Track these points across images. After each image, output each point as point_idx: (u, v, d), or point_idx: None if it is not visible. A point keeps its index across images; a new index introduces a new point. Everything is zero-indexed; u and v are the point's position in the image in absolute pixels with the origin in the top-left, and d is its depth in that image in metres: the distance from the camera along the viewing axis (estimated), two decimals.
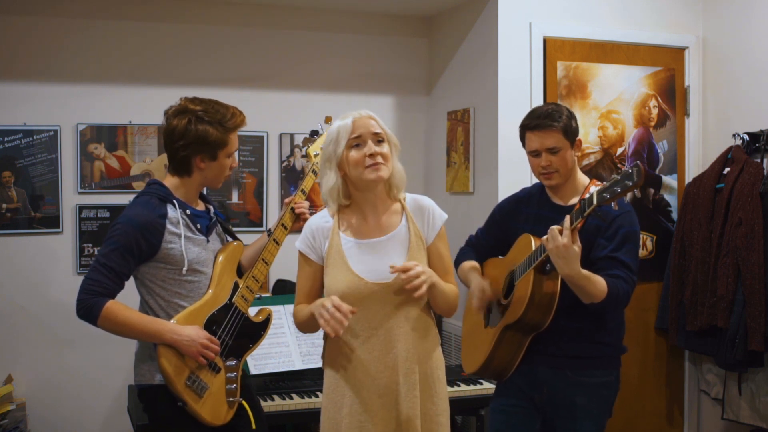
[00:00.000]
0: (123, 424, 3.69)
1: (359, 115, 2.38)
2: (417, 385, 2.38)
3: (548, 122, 2.64)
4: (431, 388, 2.42)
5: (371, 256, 2.39)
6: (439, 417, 2.42)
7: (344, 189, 2.42)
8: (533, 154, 2.70)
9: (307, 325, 2.45)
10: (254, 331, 2.71)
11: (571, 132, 2.67)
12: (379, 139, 2.37)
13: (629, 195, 3.16)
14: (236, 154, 2.72)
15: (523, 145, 2.76)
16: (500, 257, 2.90)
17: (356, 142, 2.35)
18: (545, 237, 2.44)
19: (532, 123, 2.67)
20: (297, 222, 2.81)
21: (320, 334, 2.50)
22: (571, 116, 2.70)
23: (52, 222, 4.00)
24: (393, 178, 2.42)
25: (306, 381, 3.57)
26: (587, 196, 2.41)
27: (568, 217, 2.41)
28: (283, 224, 2.78)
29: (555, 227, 2.42)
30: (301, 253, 2.48)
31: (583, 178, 2.75)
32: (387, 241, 2.41)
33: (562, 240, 2.38)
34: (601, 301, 2.49)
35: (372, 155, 2.34)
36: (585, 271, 2.45)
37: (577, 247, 2.39)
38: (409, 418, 2.35)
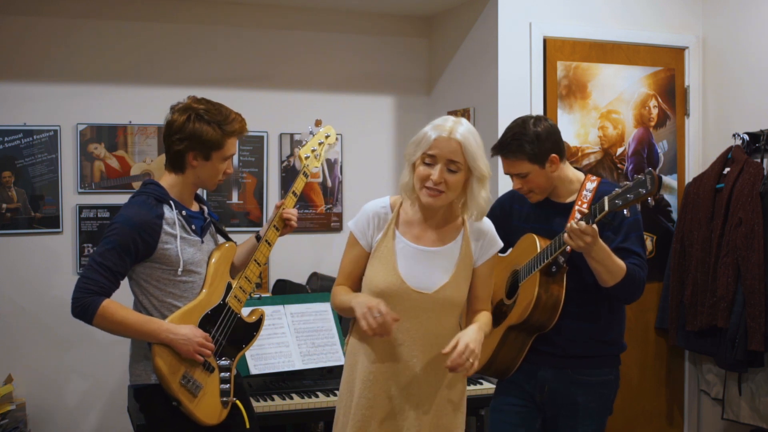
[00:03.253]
0: (123, 424, 3.68)
1: (447, 135, 2.28)
2: (430, 398, 2.38)
3: (509, 150, 2.62)
4: (451, 402, 2.43)
5: (418, 263, 2.38)
6: (457, 430, 2.44)
7: (414, 187, 2.39)
8: (507, 174, 2.71)
9: (343, 311, 2.45)
10: (247, 332, 2.72)
11: (538, 155, 2.61)
12: (451, 168, 2.29)
13: None
14: (233, 161, 2.71)
15: None
16: (500, 255, 2.91)
17: (429, 160, 2.30)
18: (565, 235, 2.44)
19: (497, 151, 2.66)
20: (285, 228, 2.81)
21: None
22: (538, 137, 2.60)
23: (52, 222, 4.00)
24: (467, 203, 2.37)
25: (306, 381, 3.57)
26: (598, 200, 2.41)
27: (581, 222, 2.42)
28: (275, 226, 2.79)
29: (575, 227, 2.41)
30: (351, 235, 2.46)
31: (577, 175, 2.74)
32: (438, 254, 2.40)
33: (586, 238, 2.39)
34: (622, 280, 2.50)
35: (433, 181, 2.29)
36: (607, 248, 2.47)
37: (596, 228, 2.42)
38: (413, 427, 2.36)
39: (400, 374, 2.37)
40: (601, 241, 2.45)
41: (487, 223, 2.48)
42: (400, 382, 2.37)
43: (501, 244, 2.49)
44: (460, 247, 2.41)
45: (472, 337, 2.29)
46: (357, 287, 2.49)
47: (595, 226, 2.41)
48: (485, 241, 2.45)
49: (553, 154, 2.64)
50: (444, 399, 2.41)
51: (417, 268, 2.37)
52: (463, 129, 2.30)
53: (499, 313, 2.76)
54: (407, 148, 2.38)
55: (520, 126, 2.66)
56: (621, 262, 2.51)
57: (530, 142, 2.61)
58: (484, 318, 2.44)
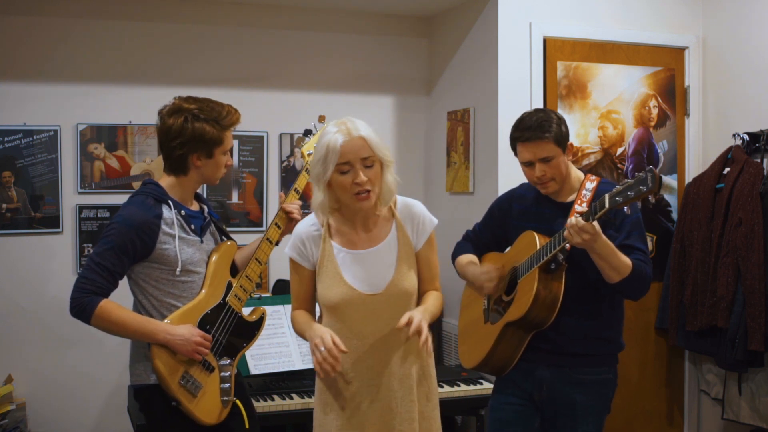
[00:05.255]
0: (123, 423, 3.69)
1: (348, 137, 2.29)
2: (413, 390, 2.39)
3: (539, 133, 2.60)
4: (427, 388, 2.45)
5: (363, 267, 2.40)
6: (433, 412, 2.46)
7: (333, 201, 2.41)
8: (527, 164, 2.68)
9: (303, 336, 2.46)
10: (248, 331, 2.72)
11: (562, 139, 2.64)
12: (367, 165, 2.32)
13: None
14: (232, 152, 2.72)
15: (515, 155, 2.74)
16: (499, 252, 2.91)
17: (344, 168, 2.31)
18: (566, 232, 2.44)
19: (524, 135, 2.63)
20: (290, 223, 2.81)
21: None
22: (561, 122, 2.66)
23: (52, 222, 4.00)
24: (382, 191, 2.40)
25: (306, 381, 3.57)
26: (598, 199, 2.41)
27: (579, 218, 2.42)
28: (276, 223, 2.79)
29: (573, 223, 2.41)
30: (291, 260, 2.49)
31: (577, 174, 2.75)
32: (377, 252, 2.42)
33: (584, 235, 2.39)
34: (628, 276, 2.49)
35: (359, 183, 2.31)
36: (611, 244, 2.47)
37: (598, 227, 2.41)
38: (407, 421, 2.37)
39: (375, 376, 2.38)
40: (604, 237, 2.45)
41: (417, 206, 2.50)
42: (378, 384, 2.37)
43: (435, 221, 2.49)
44: (397, 237, 2.44)
45: (419, 316, 2.31)
46: (312, 306, 2.51)
47: (596, 223, 2.41)
48: (419, 221, 2.47)
49: (570, 142, 2.68)
50: (420, 389, 2.42)
51: (363, 272, 2.39)
52: (359, 125, 2.33)
53: (496, 310, 2.76)
54: (314, 169, 2.36)
55: (540, 111, 2.68)
56: (626, 259, 2.50)
57: (556, 123, 2.63)
58: (431, 299, 2.46)
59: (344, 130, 2.31)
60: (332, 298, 2.38)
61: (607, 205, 2.36)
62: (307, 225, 2.48)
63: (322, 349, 2.26)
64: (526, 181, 2.82)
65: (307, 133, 3.01)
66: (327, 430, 2.41)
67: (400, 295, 2.39)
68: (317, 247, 2.43)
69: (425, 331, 2.29)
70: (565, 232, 2.45)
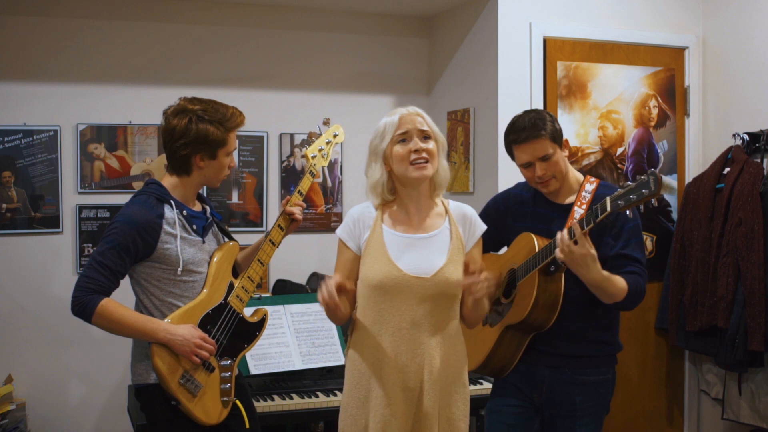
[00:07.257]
0: (123, 423, 3.69)
1: (407, 111, 2.39)
2: (438, 384, 2.37)
3: (535, 132, 2.59)
4: (456, 392, 2.42)
5: (412, 251, 2.39)
6: (459, 423, 2.42)
7: (389, 184, 2.43)
8: (525, 166, 2.67)
9: (331, 316, 2.44)
10: (249, 331, 2.72)
11: (558, 135, 2.63)
12: (425, 136, 2.37)
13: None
14: (235, 154, 2.72)
15: (512, 158, 2.73)
16: (495, 253, 2.90)
17: (402, 137, 2.37)
18: (557, 248, 2.42)
19: (520, 137, 2.62)
20: (291, 224, 2.81)
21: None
22: (553, 119, 2.66)
23: (52, 222, 4.00)
24: (437, 176, 2.42)
25: (306, 381, 3.57)
26: (599, 203, 2.39)
27: (576, 225, 2.40)
28: (279, 225, 2.78)
29: (563, 236, 2.40)
30: (340, 240, 2.48)
31: (577, 175, 2.74)
32: (429, 239, 2.41)
33: (579, 250, 2.38)
34: (622, 300, 2.49)
35: (417, 151, 2.34)
36: (605, 273, 2.46)
37: (593, 251, 2.39)
38: (428, 416, 2.35)
39: (407, 363, 2.35)
40: (598, 267, 2.42)
41: (468, 208, 2.52)
42: (408, 371, 2.35)
43: (485, 227, 2.50)
44: (450, 231, 2.44)
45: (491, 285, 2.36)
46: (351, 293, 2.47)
47: (593, 251, 2.39)
48: (470, 224, 2.48)
49: (565, 138, 2.68)
50: (449, 394, 2.40)
51: (411, 255, 2.38)
52: (414, 107, 2.42)
53: (495, 312, 2.76)
54: (372, 144, 2.44)
55: (531, 112, 2.68)
56: (621, 284, 2.49)
57: (550, 121, 2.63)
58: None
59: (402, 109, 2.40)
60: (376, 276, 2.35)
61: (608, 209, 2.34)
62: (362, 207, 2.49)
63: (324, 291, 2.27)
64: (524, 180, 2.81)
65: (311, 135, 3.02)
66: (355, 411, 2.39)
67: (447, 284, 2.36)
68: (368, 230, 2.42)
69: (485, 285, 2.30)
70: (557, 252, 2.44)
